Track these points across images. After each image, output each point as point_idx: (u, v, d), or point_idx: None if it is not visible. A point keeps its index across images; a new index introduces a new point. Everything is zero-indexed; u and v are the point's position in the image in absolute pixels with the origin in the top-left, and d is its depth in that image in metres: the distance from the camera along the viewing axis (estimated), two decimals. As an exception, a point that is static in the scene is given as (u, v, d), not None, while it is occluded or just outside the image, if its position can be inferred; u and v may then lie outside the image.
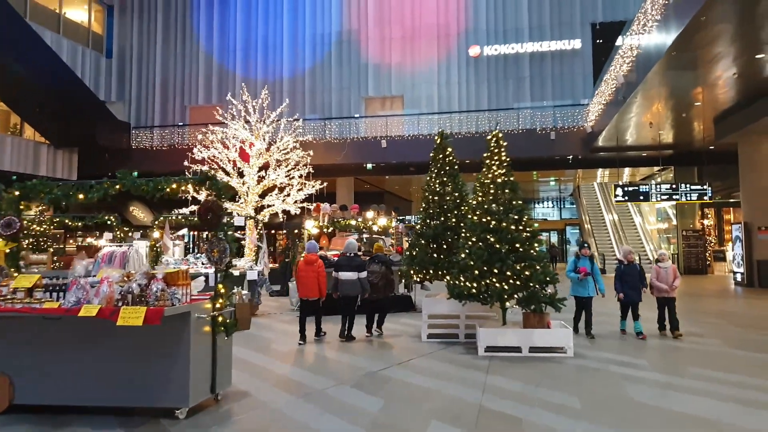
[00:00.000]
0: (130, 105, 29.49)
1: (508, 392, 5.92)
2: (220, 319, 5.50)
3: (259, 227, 12.66)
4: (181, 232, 16.34)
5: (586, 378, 6.55)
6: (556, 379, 6.46)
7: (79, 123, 23.47)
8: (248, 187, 20.57)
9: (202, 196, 19.42)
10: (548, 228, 41.24)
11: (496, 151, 8.32)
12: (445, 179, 9.38)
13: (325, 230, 13.34)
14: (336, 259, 11.30)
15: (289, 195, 20.30)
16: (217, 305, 5.50)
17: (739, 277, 18.46)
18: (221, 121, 20.61)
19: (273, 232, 26.75)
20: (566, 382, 6.34)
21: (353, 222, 13.65)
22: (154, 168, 24.28)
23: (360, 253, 9.67)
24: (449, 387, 6.17)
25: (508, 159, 8.30)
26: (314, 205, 14.43)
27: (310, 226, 12.93)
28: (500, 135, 8.34)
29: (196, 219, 14.85)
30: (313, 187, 20.16)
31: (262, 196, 20.46)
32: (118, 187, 5.73)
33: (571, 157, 23.07)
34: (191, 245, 27.78)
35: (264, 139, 20.14)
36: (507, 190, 8.17)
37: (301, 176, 20.31)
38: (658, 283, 9.09)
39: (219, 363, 5.59)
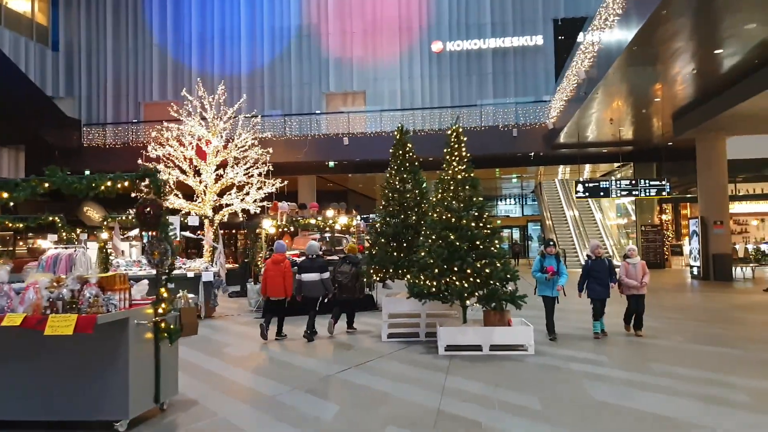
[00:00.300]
0: (80, 101, 28.26)
1: (467, 394, 5.74)
2: (162, 325, 5.15)
3: (215, 227, 12.18)
4: (133, 233, 15.68)
5: (547, 377, 6.43)
6: (517, 379, 6.33)
7: (24, 119, 22.31)
8: (206, 186, 19.96)
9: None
10: (510, 225, 41.71)
11: (456, 146, 8.14)
12: (405, 176, 9.16)
13: (284, 229, 12.95)
14: (297, 259, 11.08)
15: (248, 194, 19.79)
16: (160, 310, 5.14)
17: (695, 271, 18.90)
18: (177, 117, 19.96)
19: (234, 231, 26.11)
20: (527, 382, 6.21)
21: (313, 221, 13.29)
22: (107, 167, 23.27)
23: (321, 254, 9.57)
24: (407, 390, 5.95)
25: (468, 155, 8.14)
26: (271, 203, 14.00)
27: (268, 226, 12.52)
28: (460, 130, 8.17)
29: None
30: (273, 185, 19.70)
31: (221, 195, 19.87)
32: (47, 185, 5.29)
33: (532, 153, 23.22)
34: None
35: (221, 136, 19.58)
36: (467, 187, 8.01)
37: (260, 174, 19.82)
38: (628, 280, 8.65)
39: (163, 371, 5.24)
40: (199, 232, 13.48)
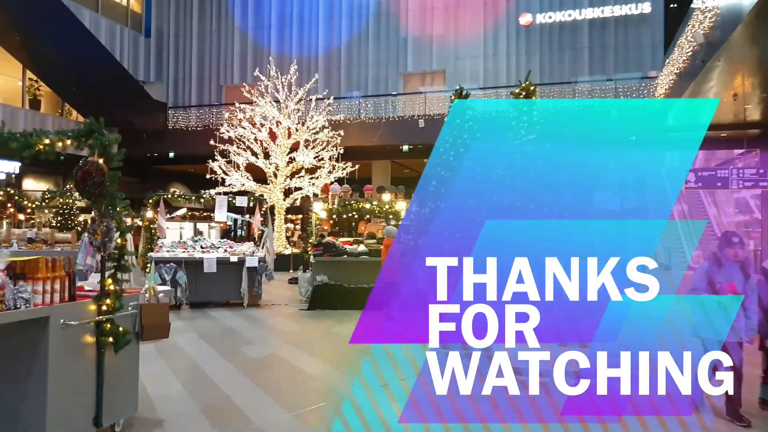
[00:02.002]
0: (168, 85, 28.94)
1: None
2: (107, 326, 3.97)
3: (264, 209, 11.20)
4: (180, 212, 15.18)
5: None
6: None
7: (118, 104, 23.10)
8: (276, 168, 19.47)
9: (232, 177, 17.97)
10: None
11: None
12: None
13: (335, 213, 11.76)
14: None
15: (318, 177, 19.02)
16: (104, 308, 3.97)
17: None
18: (251, 100, 19.75)
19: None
20: None
21: (368, 205, 11.95)
22: (188, 149, 23.60)
23: None
24: None
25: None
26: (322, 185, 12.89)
27: (319, 209, 11.35)
28: (532, 88, 6.40)
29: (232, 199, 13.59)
30: (344, 169, 18.83)
31: (291, 177, 19.41)
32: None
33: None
34: (234, 227, 26.94)
35: (290, 117, 19.02)
36: (538, 163, 6.24)
37: (331, 158, 19.00)
38: None
39: (112, 385, 4.08)
40: (247, 214, 12.60)
